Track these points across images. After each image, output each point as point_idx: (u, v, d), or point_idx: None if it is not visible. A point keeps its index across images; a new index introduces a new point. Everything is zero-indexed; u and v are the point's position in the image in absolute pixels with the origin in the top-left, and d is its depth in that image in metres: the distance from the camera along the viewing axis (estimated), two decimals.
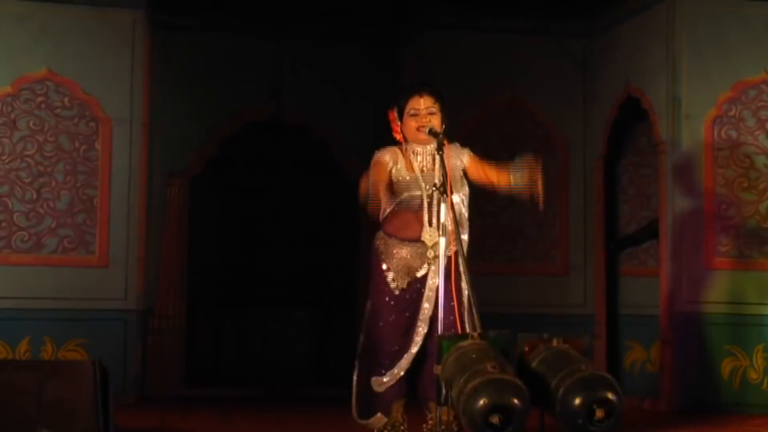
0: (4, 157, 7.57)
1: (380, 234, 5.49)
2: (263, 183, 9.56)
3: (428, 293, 5.35)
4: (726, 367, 7.53)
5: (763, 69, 7.68)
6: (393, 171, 5.42)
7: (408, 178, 5.42)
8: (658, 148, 7.83)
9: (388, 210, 5.43)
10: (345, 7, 8.64)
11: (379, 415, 5.42)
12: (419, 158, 5.47)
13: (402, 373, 5.34)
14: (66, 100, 7.68)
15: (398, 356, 5.36)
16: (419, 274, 5.38)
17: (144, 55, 7.86)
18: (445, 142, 5.35)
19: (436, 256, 5.25)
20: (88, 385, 4.41)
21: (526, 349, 4.65)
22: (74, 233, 7.60)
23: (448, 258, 5.27)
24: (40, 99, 7.64)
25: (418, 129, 5.41)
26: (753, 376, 7.56)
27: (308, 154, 9.33)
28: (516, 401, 4.22)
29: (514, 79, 8.70)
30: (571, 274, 8.70)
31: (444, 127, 5.44)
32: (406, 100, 5.46)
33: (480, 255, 8.22)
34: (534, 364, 4.54)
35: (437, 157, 5.30)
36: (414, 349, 5.33)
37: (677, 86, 7.66)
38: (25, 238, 7.55)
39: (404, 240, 5.41)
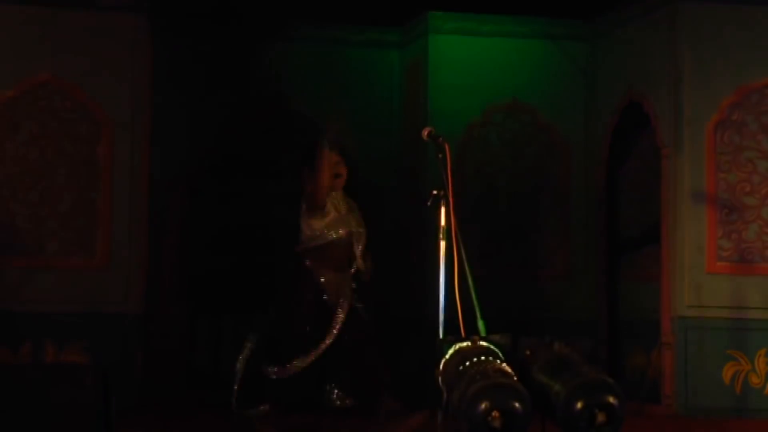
0: (6, 161, 7.57)
1: (309, 262, 6.77)
2: (265, 188, 9.55)
3: (339, 311, 6.62)
4: (727, 371, 7.53)
5: (766, 75, 7.68)
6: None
7: (335, 217, 6.75)
8: (660, 153, 7.83)
9: (314, 244, 6.78)
10: (347, 10, 8.64)
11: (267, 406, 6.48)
12: (334, 202, 6.79)
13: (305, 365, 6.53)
14: (68, 103, 7.68)
15: (307, 350, 6.53)
16: (337, 293, 6.65)
17: (146, 59, 7.86)
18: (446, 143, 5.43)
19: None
20: (90, 388, 4.41)
21: (528, 353, 4.65)
22: (76, 236, 7.60)
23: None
24: (42, 103, 7.64)
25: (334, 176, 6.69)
26: (755, 380, 7.55)
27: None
28: (517, 405, 4.22)
29: (516, 83, 8.70)
30: (572, 279, 8.70)
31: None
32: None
33: (481, 259, 8.22)
34: (535, 369, 4.54)
35: (439, 161, 5.39)
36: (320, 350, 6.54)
37: (679, 91, 7.66)
38: (27, 241, 7.55)
39: (331, 268, 6.73)
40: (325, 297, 6.73)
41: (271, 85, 8.79)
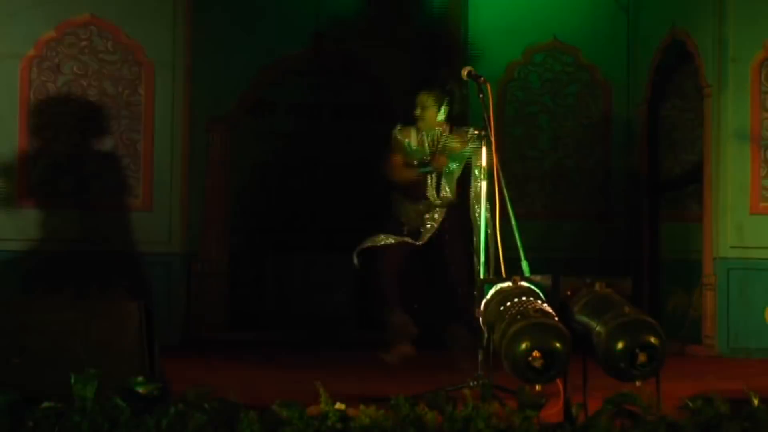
0: (48, 101, 7.62)
1: (394, 193, 6.40)
2: (305, 128, 9.55)
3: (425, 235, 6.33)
4: None
5: None
6: (405, 144, 6.31)
7: (417, 150, 6.26)
8: (703, 92, 7.75)
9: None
10: None
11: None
12: (428, 137, 6.27)
13: None
14: (109, 44, 7.70)
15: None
16: (423, 223, 6.31)
17: None
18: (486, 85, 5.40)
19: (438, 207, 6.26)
20: (134, 326, 4.46)
21: (569, 293, 4.65)
22: (118, 177, 7.66)
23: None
24: (83, 43, 7.67)
25: (417, 117, 6.26)
26: None
27: (349, 100, 9.30)
28: (558, 345, 4.23)
29: (558, 22, 8.62)
30: (613, 219, 8.67)
31: (448, 110, 6.21)
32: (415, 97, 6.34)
33: (521, 199, 8.21)
34: (576, 308, 4.54)
35: (480, 101, 5.39)
36: None
37: (724, 28, 7.56)
38: (70, 183, 7.61)
39: (412, 198, 6.30)
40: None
41: (309, 24, 8.75)
